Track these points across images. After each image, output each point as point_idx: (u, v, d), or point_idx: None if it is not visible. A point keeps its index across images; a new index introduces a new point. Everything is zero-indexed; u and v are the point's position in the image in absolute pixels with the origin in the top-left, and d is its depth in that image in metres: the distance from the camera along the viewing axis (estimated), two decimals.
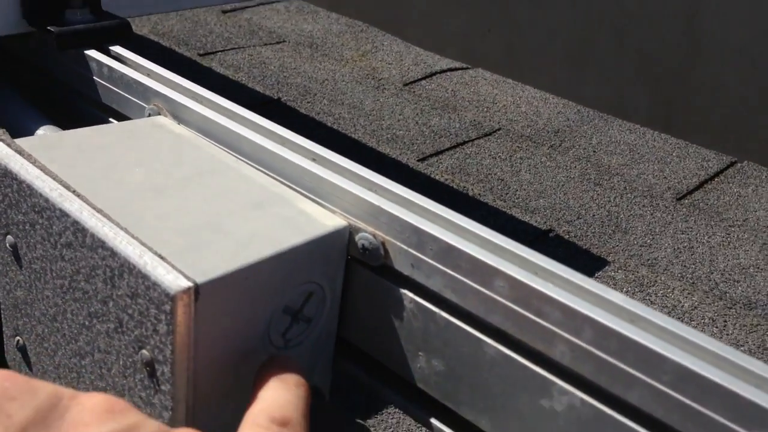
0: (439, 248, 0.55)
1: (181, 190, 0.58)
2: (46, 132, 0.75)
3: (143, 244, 0.50)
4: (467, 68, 2.37)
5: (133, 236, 0.51)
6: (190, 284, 0.48)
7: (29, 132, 0.76)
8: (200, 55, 2.10)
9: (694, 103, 2.35)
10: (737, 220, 1.70)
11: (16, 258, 0.60)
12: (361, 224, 0.59)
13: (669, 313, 1.33)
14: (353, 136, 1.78)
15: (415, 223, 0.56)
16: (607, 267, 1.42)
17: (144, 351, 0.51)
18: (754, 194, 1.84)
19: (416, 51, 2.43)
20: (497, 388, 0.54)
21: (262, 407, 0.43)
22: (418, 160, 1.74)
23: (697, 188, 1.85)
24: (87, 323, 0.56)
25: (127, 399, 0.55)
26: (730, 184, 1.89)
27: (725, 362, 0.45)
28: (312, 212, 0.59)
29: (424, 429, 0.92)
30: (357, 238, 0.59)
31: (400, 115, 1.95)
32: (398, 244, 0.57)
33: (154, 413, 0.53)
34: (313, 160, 0.64)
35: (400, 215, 0.56)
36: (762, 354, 1.25)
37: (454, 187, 1.62)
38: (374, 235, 0.58)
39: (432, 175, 1.65)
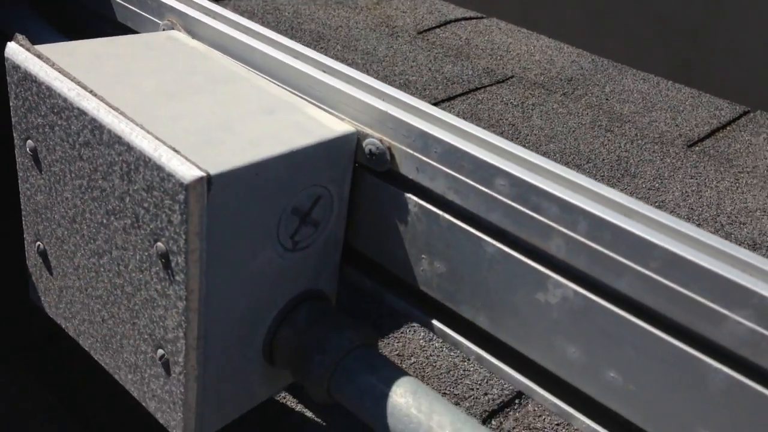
0: (443, 150, 0.57)
1: (194, 96, 0.60)
2: None
3: (158, 138, 0.53)
4: (482, 17, 2.36)
5: (148, 131, 0.53)
6: (203, 174, 0.50)
7: None
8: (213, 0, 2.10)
9: (712, 64, 2.33)
10: (747, 167, 1.70)
11: (36, 162, 0.63)
12: (368, 130, 0.61)
13: None
14: None
15: (421, 127, 0.58)
16: None
17: (159, 243, 0.54)
18: (765, 142, 1.83)
19: (431, 0, 2.41)
20: (495, 285, 0.57)
21: None
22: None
23: (708, 136, 1.85)
24: (105, 221, 0.58)
25: (143, 293, 0.58)
26: (742, 133, 1.88)
27: (710, 249, 0.47)
28: (321, 118, 0.61)
29: (425, 330, 0.95)
30: (365, 143, 0.61)
31: (413, 61, 1.95)
32: (404, 148, 0.59)
33: (169, 304, 0.56)
34: (324, 71, 0.65)
35: (405, 120, 0.58)
36: None
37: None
38: (381, 140, 0.60)
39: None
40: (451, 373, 0.98)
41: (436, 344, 1.02)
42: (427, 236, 0.60)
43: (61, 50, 0.63)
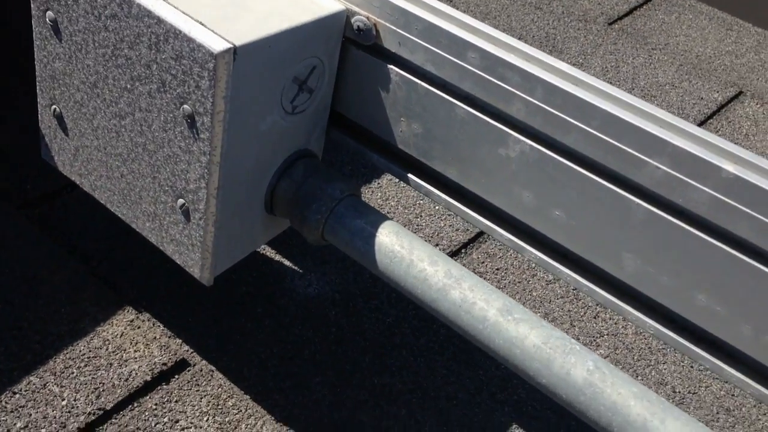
0: (423, 27, 0.67)
1: None
2: None
3: (185, 13, 0.61)
4: None
5: (175, 6, 0.61)
6: (230, 45, 0.59)
7: None
8: None
9: None
10: (659, 44, 1.85)
11: (56, 32, 0.70)
12: (356, 8, 0.70)
13: None
14: None
15: (403, 6, 0.67)
16: None
17: (185, 106, 0.63)
18: (677, 21, 1.98)
19: None
20: (464, 143, 0.69)
21: None
22: None
23: (627, 14, 1.98)
24: (129, 86, 0.67)
25: (166, 149, 0.67)
26: (657, 12, 2.02)
27: (638, 110, 0.60)
28: None
29: (401, 183, 1.08)
30: (353, 20, 0.70)
31: None
32: (388, 24, 0.69)
33: (192, 159, 0.66)
34: None
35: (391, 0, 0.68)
36: None
37: None
38: (368, 18, 0.69)
39: None
40: (407, 227, 1.12)
41: (391, 202, 1.15)
42: (406, 102, 0.71)
43: None
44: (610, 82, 1.66)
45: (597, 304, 1.05)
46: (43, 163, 0.81)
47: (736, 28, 1.99)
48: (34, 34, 0.72)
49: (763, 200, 0.54)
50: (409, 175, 0.75)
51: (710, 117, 1.60)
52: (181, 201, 0.69)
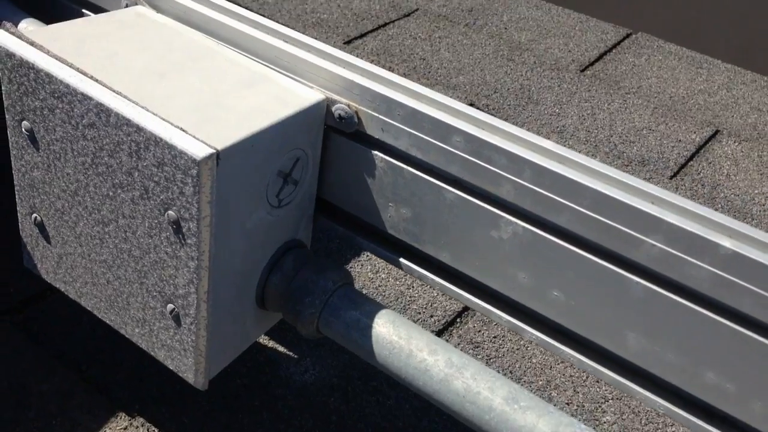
0: (405, 113, 0.66)
1: (180, 74, 0.67)
2: (28, 25, 0.80)
3: (165, 119, 0.60)
4: None
5: (154, 113, 0.60)
6: (212, 150, 0.58)
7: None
8: None
9: None
10: (632, 88, 1.88)
11: (32, 142, 0.68)
12: (336, 96, 0.69)
13: None
14: (280, 21, 1.82)
15: (384, 93, 0.67)
16: None
17: (170, 212, 0.62)
18: (647, 63, 2.01)
19: None
20: (455, 226, 0.68)
21: None
22: (344, 43, 1.81)
23: (597, 59, 2.01)
24: (111, 194, 0.65)
25: (152, 255, 0.66)
26: (627, 54, 2.05)
27: (629, 187, 0.59)
28: (294, 88, 0.69)
29: (386, 284, 1.07)
30: (334, 108, 0.70)
31: None
32: (370, 111, 0.68)
33: (180, 264, 0.64)
34: (285, 41, 0.73)
35: (370, 87, 0.67)
36: None
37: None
38: (348, 106, 0.69)
39: (359, 57, 1.74)
40: (399, 300, 1.10)
41: (382, 275, 1.14)
42: (393, 187, 0.70)
43: (47, 35, 0.67)
44: (588, 131, 1.68)
45: None
46: (19, 266, 0.79)
47: (706, 65, 2.03)
48: (10, 143, 0.70)
49: (763, 275, 0.54)
50: (401, 260, 0.74)
51: (690, 159, 1.62)
52: (170, 306, 0.67)
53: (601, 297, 0.62)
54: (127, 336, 0.74)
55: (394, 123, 0.67)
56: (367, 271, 1.13)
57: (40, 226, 0.74)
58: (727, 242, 0.55)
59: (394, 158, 0.69)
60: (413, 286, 1.12)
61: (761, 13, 2.13)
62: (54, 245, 0.74)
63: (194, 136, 0.59)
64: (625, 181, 0.60)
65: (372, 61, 1.78)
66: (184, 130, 0.59)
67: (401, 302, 1.09)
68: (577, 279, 0.63)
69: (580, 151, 1.60)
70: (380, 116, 0.68)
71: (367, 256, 1.14)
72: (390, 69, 1.74)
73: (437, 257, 0.71)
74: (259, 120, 0.63)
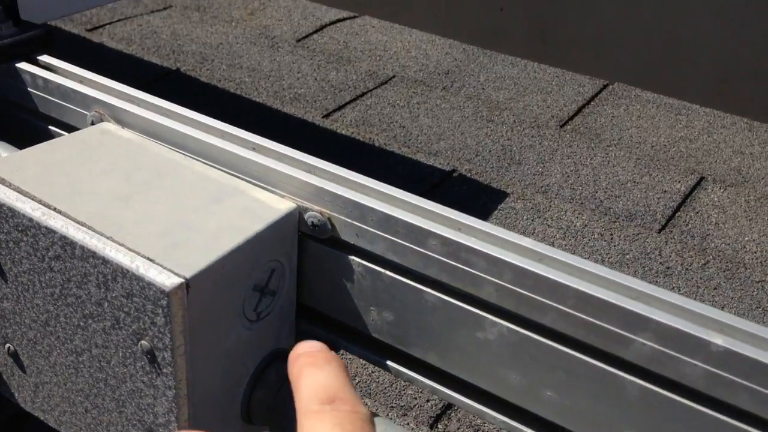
0: (378, 218, 0.65)
1: (146, 195, 0.66)
2: None
3: (131, 249, 0.58)
4: (355, 17, 2.44)
5: (120, 243, 0.59)
6: (181, 280, 0.56)
7: None
8: (88, 30, 2.07)
9: (567, 28, 2.52)
10: (613, 140, 1.88)
11: (0, 274, 0.67)
12: (308, 204, 0.68)
13: (564, 234, 1.49)
14: (257, 99, 1.83)
15: (356, 199, 0.66)
16: (507, 198, 1.57)
17: (143, 341, 0.60)
18: (626, 113, 2.03)
19: (303, 4, 2.47)
20: (440, 328, 0.66)
21: (308, 395, 0.43)
22: (323, 117, 1.82)
23: (576, 113, 2.03)
24: (82, 324, 0.63)
25: (129, 384, 0.63)
26: (605, 106, 2.07)
27: (613, 284, 0.58)
28: (264, 199, 0.68)
29: (380, 371, 1.04)
30: (306, 216, 0.68)
31: (298, 72, 2.01)
32: (342, 218, 0.67)
33: (157, 394, 0.62)
34: (253, 149, 0.72)
35: (341, 193, 0.66)
36: (644, 259, 1.43)
37: (360, 139, 1.72)
38: (321, 213, 0.68)
39: (338, 130, 1.74)
40: (393, 386, 1.07)
41: None
42: (373, 291, 0.69)
43: (9, 166, 0.66)
44: (573, 188, 1.67)
45: None
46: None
47: (685, 111, 2.04)
48: None
49: (758, 371, 0.52)
50: (388, 363, 0.72)
51: (677, 210, 1.61)
52: None
53: (595, 396, 0.60)
54: None
55: (368, 228, 0.66)
56: (358, 358, 1.11)
57: (14, 356, 0.72)
58: (719, 339, 0.53)
59: (371, 262, 0.68)
60: (400, 378, 1.09)
61: (735, 55, 2.16)
62: (30, 374, 0.72)
63: (162, 265, 0.57)
64: (609, 277, 0.58)
65: (352, 133, 1.78)
66: (151, 260, 0.57)
67: (395, 388, 1.07)
68: (569, 378, 0.60)
69: (566, 210, 1.59)
70: (353, 222, 0.66)
71: None
72: (370, 140, 1.75)
73: (425, 359, 0.69)
74: (229, 239, 0.61)
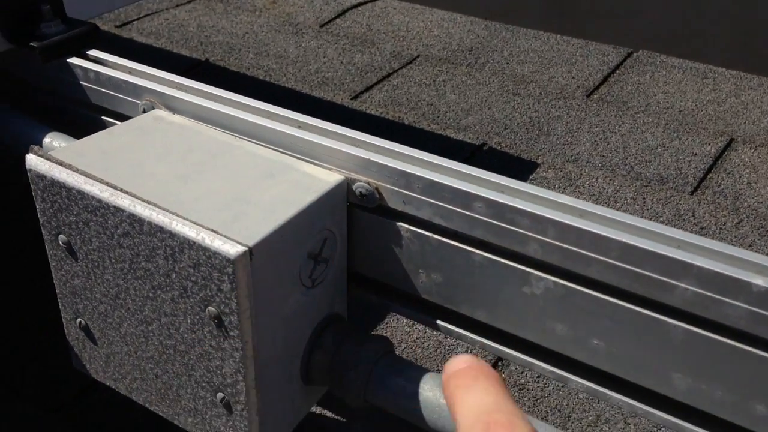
0: (424, 185, 0.68)
1: (203, 174, 0.70)
2: (53, 139, 0.84)
3: (195, 223, 0.62)
4: (375, 0, 2.46)
5: (185, 218, 0.63)
6: (245, 248, 0.60)
7: (36, 141, 0.84)
8: (117, 26, 2.12)
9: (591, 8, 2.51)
10: (641, 107, 1.89)
11: (71, 253, 0.71)
12: (355, 176, 0.71)
13: (596, 200, 1.51)
14: (286, 85, 1.87)
15: (402, 168, 0.69)
16: (538, 169, 1.59)
17: (210, 308, 0.64)
18: (651, 80, 2.03)
19: None
20: (487, 285, 0.69)
21: (472, 420, 0.40)
22: (351, 99, 1.85)
23: (602, 83, 2.03)
24: (151, 295, 0.67)
25: (197, 349, 0.67)
26: (630, 74, 2.07)
27: (655, 234, 0.60)
28: (313, 172, 0.72)
29: (425, 337, 1.08)
30: (354, 187, 0.72)
31: (324, 57, 2.04)
32: (389, 186, 0.70)
33: (225, 356, 0.66)
34: (299, 127, 0.75)
35: (387, 163, 0.69)
36: (678, 221, 1.45)
37: (390, 118, 1.75)
38: (368, 183, 0.71)
39: (367, 111, 1.77)
40: (438, 350, 1.11)
41: (419, 327, 1.15)
42: (421, 254, 0.72)
43: (73, 152, 0.70)
44: (603, 155, 1.69)
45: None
46: (68, 361, 0.81)
47: (711, 75, 2.04)
48: (48, 255, 0.73)
49: None
50: (438, 322, 0.75)
51: (708, 172, 1.62)
52: (220, 395, 0.68)
53: (641, 342, 0.63)
54: (180, 426, 0.75)
55: (415, 195, 0.69)
56: (404, 324, 1.14)
57: (85, 329, 0.76)
58: (759, 279, 0.55)
59: (418, 227, 0.71)
60: (436, 330, 1.13)
61: (759, 16, 2.15)
62: (101, 346, 0.76)
63: (226, 236, 0.61)
64: (649, 228, 0.61)
65: (381, 113, 1.81)
66: (215, 231, 0.61)
67: (440, 353, 1.10)
68: (615, 326, 0.63)
69: (597, 178, 1.61)
70: (400, 190, 0.70)
71: None
72: (399, 119, 1.77)
73: (473, 316, 0.72)
74: (285, 210, 0.65)
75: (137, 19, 2.18)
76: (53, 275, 0.74)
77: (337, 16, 2.31)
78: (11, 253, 1.21)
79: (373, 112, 1.78)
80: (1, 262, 1.17)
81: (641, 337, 0.62)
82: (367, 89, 1.92)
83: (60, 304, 0.76)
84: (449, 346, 1.11)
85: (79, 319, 0.76)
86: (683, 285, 0.58)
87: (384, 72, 2.01)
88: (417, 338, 1.11)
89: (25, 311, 1.11)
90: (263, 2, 2.38)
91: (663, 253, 0.58)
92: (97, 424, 0.95)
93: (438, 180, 0.67)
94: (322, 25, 2.25)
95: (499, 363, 1.08)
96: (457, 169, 0.68)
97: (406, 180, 0.69)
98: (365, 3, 2.43)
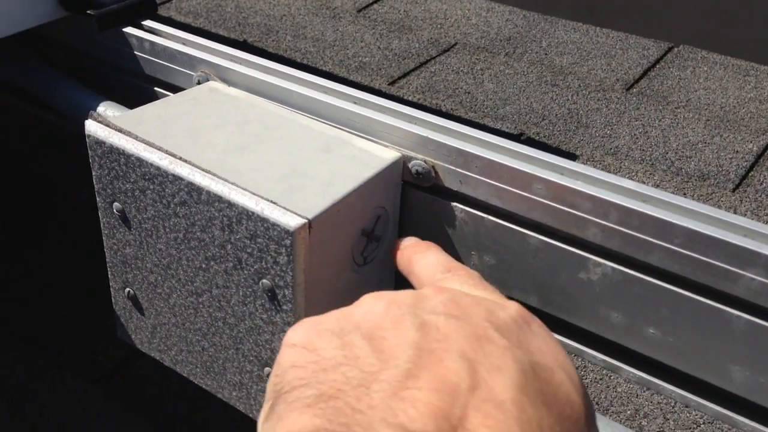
0: (483, 165, 0.67)
1: (260, 145, 0.69)
2: (107, 108, 0.84)
3: (254, 193, 0.62)
4: None
5: (244, 188, 0.62)
6: (304, 221, 0.60)
7: (90, 108, 0.84)
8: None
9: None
10: (681, 102, 1.86)
11: (124, 221, 0.71)
12: (412, 153, 0.71)
13: None
14: (324, 68, 1.87)
15: (460, 147, 0.68)
16: (577, 160, 1.57)
17: (264, 280, 0.64)
18: (692, 75, 2.00)
19: None
20: (541, 270, 0.69)
21: (427, 273, 0.51)
22: (389, 84, 1.84)
23: (642, 77, 2.01)
24: (204, 266, 0.67)
25: (247, 322, 0.67)
26: (671, 69, 2.04)
27: (720, 222, 0.59)
28: (370, 149, 0.71)
29: None
30: (410, 165, 0.71)
31: (361, 42, 2.03)
32: (447, 165, 0.69)
33: (276, 330, 0.65)
34: (355, 103, 0.75)
35: (445, 142, 0.69)
36: None
37: (428, 105, 1.74)
38: (425, 161, 0.70)
39: (405, 97, 1.76)
40: None
41: None
42: (475, 236, 0.71)
43: (131, 120, 0.70)
44: (643, 149, 1.66)
45: None
46: (110, 331, 0.81)
47: (753, 73, 2.00)
48: (101, 223, 0.73)
49: None
50: None
51: (750, 169, 1.59)
52: (267, 369, 0.68)
53: (700, 332, 0.61)
54: (224, 399, 0.75)
55: (472, 175, 0.68)
56: None
57: (134, 300, 0.76)
58: None
59: (473, 208, 0.70)
60: None
61: None
62: (148, 317, 0.76)
63: (285, 208, 0.60)
64: (714, 215, 0.59)
65: (418, 100, 1.80)
66: (274, 203, 0.61)
67: None
68: (673, 316, 0.62)
69: (637, 171, 1.59)
70: (457, 169, 0.69)
71: None
72: (437, 106, 1.76)
73: (525, 301, 0.71)
74: (342, 184, 0.65)
75: None
76: (104, 243, 0.75)
77: (375, 2, 2.30)
78: (57, 223, 1.22)
79: (411, 98, 1.77)
80: (46, 233, 1.18)
81: (700, 327, 0.61)
82: (405, 75, 1.91)
83: (109, 273, 0.76)
84: None
85: (127, 289, 0.76)
86: (749, 274, 0.57)
87: (422, 59, 2.00)
88: None
89: (68, 283, 1.12)
90: None
91: (729, 240, 0.57)
92: (135, 395, 0.96)
93: (497, 160, 0.66)
94: (359, 10, 2.24)
95: None
96: (516, 149, 0.67)
97: (464, 159, 0.68)
98: None
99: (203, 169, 0.64)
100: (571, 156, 1.59)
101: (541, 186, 0.65)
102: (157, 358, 0.79)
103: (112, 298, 0.78)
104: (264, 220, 0.60)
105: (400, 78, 1.90)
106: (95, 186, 0.71)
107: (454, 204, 0.71)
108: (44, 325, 1.04)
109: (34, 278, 1.12)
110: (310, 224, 0.60)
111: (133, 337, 0.79)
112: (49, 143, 1.42)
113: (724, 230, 0.58)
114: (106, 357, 0.98)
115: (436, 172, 0.70)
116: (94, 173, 0.70)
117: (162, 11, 2.14)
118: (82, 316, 1.05)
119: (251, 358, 0.69)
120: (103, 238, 0.74)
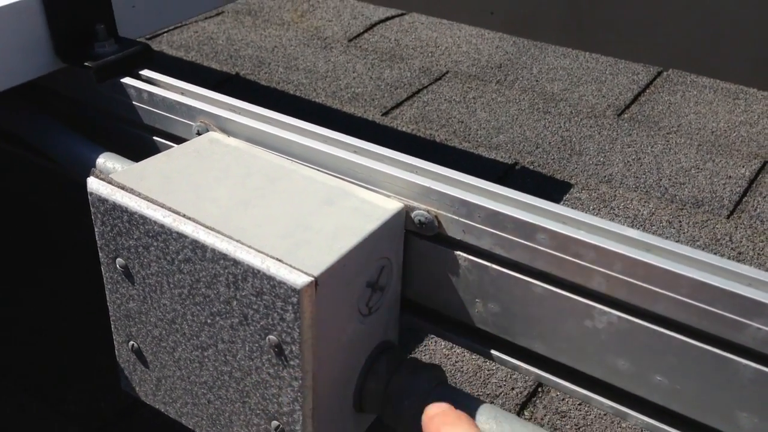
0: (486, 215, 0.68)
1: (263, 199, 0.69)
2: (106, 160, 0.84)
3: (259, 251, 0.62)
4: (403, 14, 2.46)
5: (249, 246, 0.62)
6: (311, 278, 0.60)
7: (90, 161, 0.84)
8: (147, 39, 2.13)
9: (612, 15, 2.50)
10: (673, 127, 1.88)
11: (127, 276, 0.71)
12: (414, 203, 0.71)
13: (632, 223, 1.50)
14: (317, 100, 1.87)
15: (463, 197, 0.68)
16: (572, 189, 1.58)
17: (271, 336, 0.63)
18: (682, 99, 2.02)
19: (351, 3, 2.50)
20: (546, 318, 0.69)
21: None
22: (382, 115, 1.85)
23: (632, 102, 2.02)
24: (209, 321, 0.67)
25: (254, 376, 0.67)
26: (661, 93, 2.06)
27: (722, 270, 0.60)
28: (372, 199, 0.71)
29: (464, 361, 1.07)
30: (413, 214, 0.71)
31: (353, 72, 2.04)
32: (449, 215, 0.70)
33: (283, 384, 0.65)
34: (355, 152, 0.75)
35: (448, 192, 0.69)
36: (715, 246, 1.44)
37: (422, 136, 1.74)
38: (428, 211, 0.70)
39: (398, 128, 1.77)
40: (478, 375, 1.10)
41: (458, 350, 1.14)
42: (479, 284, 0.71)
43: (133, 176, 0.70)
44: (637, 177, 1.68)
45: None
46: (112, 379, 0.80)
47: (743, 96, 2.02)
48: (104, 278, 0.73)
49: None
50: (493, 352, 0.74)
51: (744, 195, 1.60)
52: (275, 423, 0.68)
53: (707, 380, 0.62)
54: None
55: (475, 224, 0.68)
56: (442, 347, 1.13)
57: (138, 353, 0.76)
58: None
59: (477, 257, 0.70)
60: (489, 360, 1.12)
61: None
62: (152, 369, 0.76)
63: (290, 265, 0.60)
64: (719, 264, 0.60)
65: (412, 130, 1.81)
66: (279, 260, 0.61)
67: (480, 377, 1.09)
68: (680, 363, 0.62)
69: (632, 199, 1.60)
70: (461, 219, 0.69)
71: None
72: (431, 136, 1.77)
73: (530, 348, 0.71)
74: (347, 238, 0.65)
75: (167, 32, 2.19)
76: (107, 297, 0.74)
77: (365, 31, 2.31)
78: (61, 272, 1.21)
79: (404, 129, 1.78)
80: (49, 280, 1.17)
81: (707, 374, 0.61)
82: (398, 105, 1.91)
83: (113, 326, 0.76)
84: (488, 370, 1.11)
85: (131, 342, 0.75)
86: (756, 324, 0.57)
87: (414, 88, 2.01)
88: (456, 362, 1.10)
89: (70, 330, 1.11)
90: (291, 16, 2.38)
91: (735, 291, 0.58)
92: None
93: (500, 210, 0.67)
94: (350, 40, 2.25)
95: (539, 389, 1.07)
96: (519, 198, 0.68)
97: (467, 209, 0.68)
98: (393, 17, 2.43)
99: (207, 226, 0.64)
100: (566, 185, 1.60)
101: (545, 236, 0.65)
102: (162, 410, 0.78)
103: (116, 350, 0.78)
104: (270, 278, 0.60)
105: (393, 108, 1.91)
106: (98, 242, 0.71)
107: (458, 252, 0.71)
108: (46, 371, 1.03)
109: (34, 321, 1.11)
110: (316, 281, 0.60)
111: (137, 389, 0.79)
112: (49, 188, 1.42)
113: (729, 280, 0.59)
114: (106, 403, 0.97)
115: (439, 222, 0.71)
116: (96, 229, 0.70)
117: (154, 45, 2.15)
118: (85, 363, 1.04)
119: (258, 412, 0.69)
120: (106, 292, 0.74)
